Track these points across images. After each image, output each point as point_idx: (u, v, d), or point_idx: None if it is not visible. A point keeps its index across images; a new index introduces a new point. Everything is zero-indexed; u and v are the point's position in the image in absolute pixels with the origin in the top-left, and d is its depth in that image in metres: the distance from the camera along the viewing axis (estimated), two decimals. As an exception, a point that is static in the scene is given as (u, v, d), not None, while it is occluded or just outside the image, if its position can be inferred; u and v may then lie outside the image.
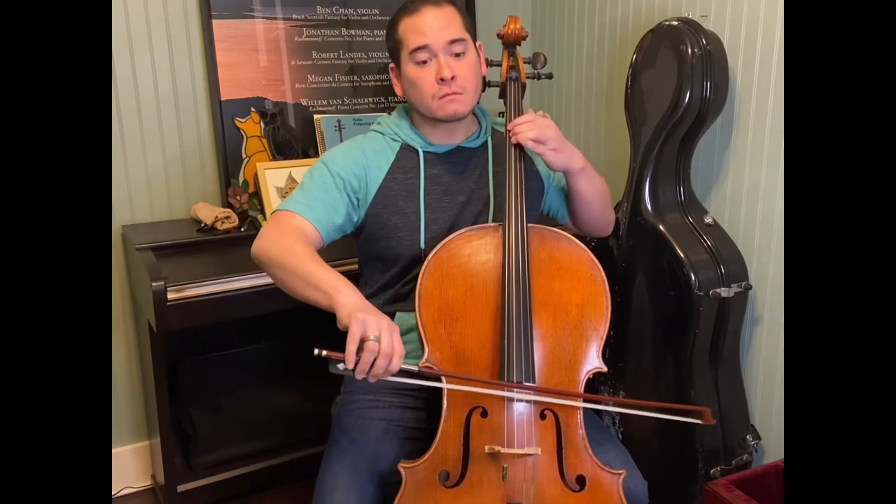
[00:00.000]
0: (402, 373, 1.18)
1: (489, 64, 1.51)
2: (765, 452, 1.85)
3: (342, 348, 1.12)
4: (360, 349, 1.12)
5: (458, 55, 1.38)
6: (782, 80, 1.69)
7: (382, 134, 1.49)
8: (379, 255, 1.47)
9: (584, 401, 1.32)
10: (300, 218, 1.37)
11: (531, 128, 1.36)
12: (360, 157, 1.44)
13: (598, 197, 1.52)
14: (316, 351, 1.12)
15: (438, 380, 1.26)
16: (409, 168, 1.46)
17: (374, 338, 1.12)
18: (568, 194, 1.54)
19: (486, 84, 1.52)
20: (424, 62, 1.38)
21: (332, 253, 1.48)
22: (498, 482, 1.23)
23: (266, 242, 1.33)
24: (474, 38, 1.44)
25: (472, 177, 1.48)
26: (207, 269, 1.85)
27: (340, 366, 1.12)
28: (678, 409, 1.31)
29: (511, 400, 1.26)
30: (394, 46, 1.43)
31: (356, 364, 1.12)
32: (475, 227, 1.37)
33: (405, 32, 1.39)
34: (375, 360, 1.12)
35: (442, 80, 1.37)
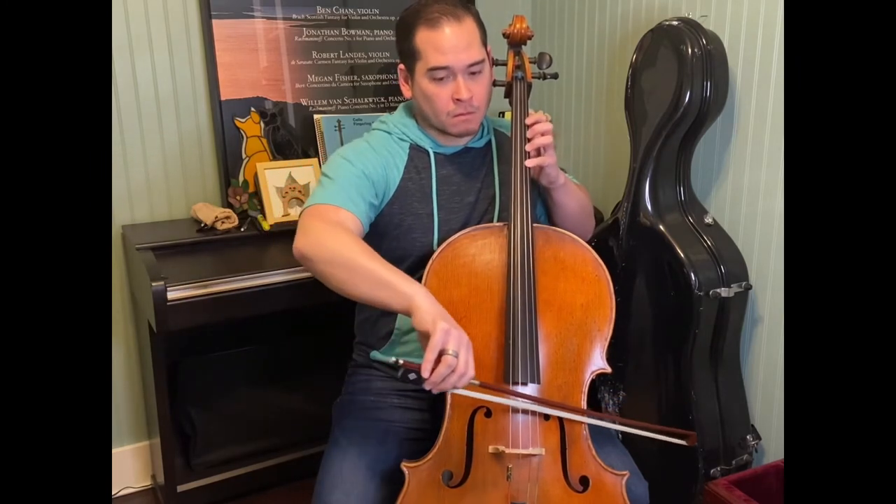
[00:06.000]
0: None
1: (494, 63, 1.50)
2: (765, 452, 1.86)
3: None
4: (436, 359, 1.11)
5: (474, 73, 1.38)
6: (782, 80, 1.69)
7: (389, 133, 1.48)
8: (388, 254, 1.45)
9: (586, 416, 1.31)
10: (346, 212, 1.31)
11: (550, 141, 1.38)
12: (376, 156, 1.43)
13: (579, 208, 1.53)
14: (393, 359, 1.12)
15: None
16: (421, 168, 1.45)
17: (453, 353, 1.11)
18: (549, 206, 1.54)
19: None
20: (441, 79, 1.37)
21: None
22: (502, 482, 1.23)
23: (318, 238, 1.25)
24: (486, 45, 1.42)
25: (479, 176, 1.49)
26: (207, 269, 1.85)
27: (412, 375, 1.12)
28: (667, 431, 1.33)
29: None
30: (408, 53, 1.40)
31: (430, 374, 1.11)
32: (480, 226, 1.37)
33: (424, 46, 1.36)
34: (449, 374, 1.11)
35: (458, 100, 1.37)
